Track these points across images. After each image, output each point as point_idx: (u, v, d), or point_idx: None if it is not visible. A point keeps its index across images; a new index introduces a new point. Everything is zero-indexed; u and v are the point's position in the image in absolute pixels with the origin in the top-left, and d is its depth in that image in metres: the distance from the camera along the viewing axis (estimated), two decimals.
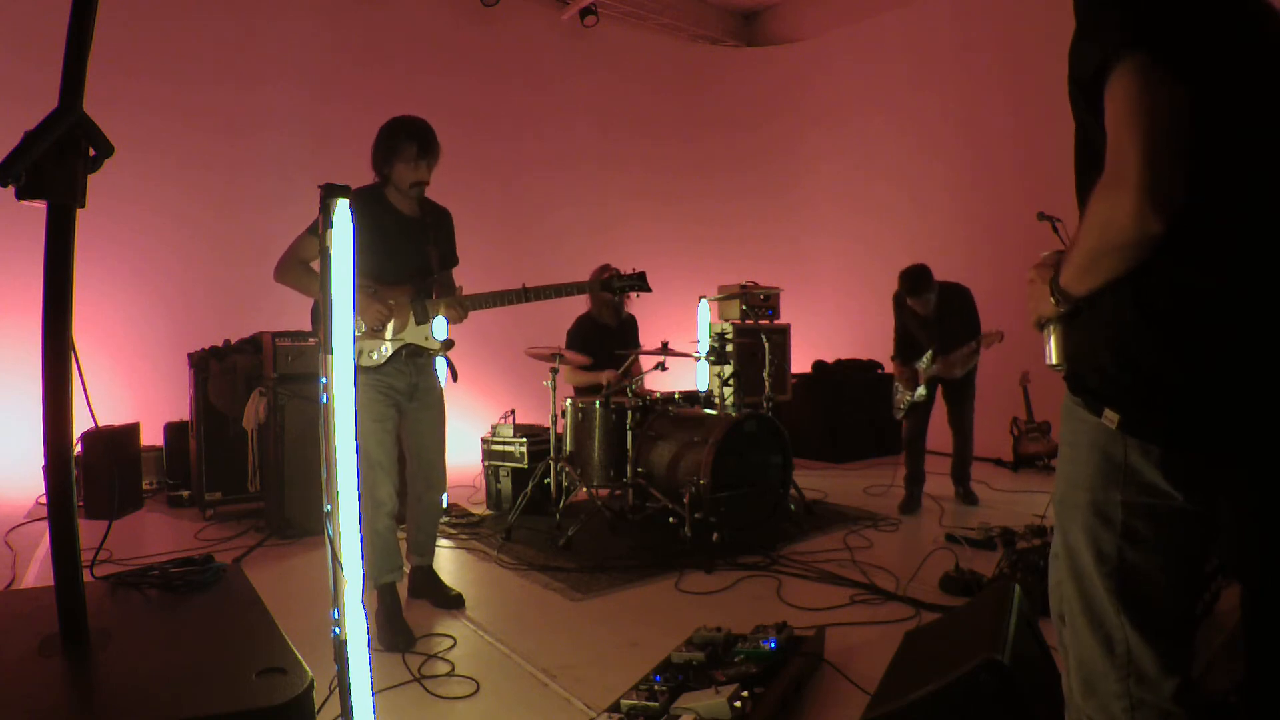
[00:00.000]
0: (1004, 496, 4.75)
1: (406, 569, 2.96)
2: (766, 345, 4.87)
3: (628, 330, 4.79)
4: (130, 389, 5.10)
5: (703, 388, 5.25)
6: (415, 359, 2.81)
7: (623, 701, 1.93)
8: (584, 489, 4.13)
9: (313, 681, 1.13)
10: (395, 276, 2.76)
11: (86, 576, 1.33)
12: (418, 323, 2.78)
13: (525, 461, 4.47)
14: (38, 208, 1.25)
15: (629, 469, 3.98)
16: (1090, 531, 1.11)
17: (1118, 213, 0.96)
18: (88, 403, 1.32)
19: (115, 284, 5.22)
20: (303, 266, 2.63)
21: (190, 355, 4.46)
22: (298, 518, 3.93)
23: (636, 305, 4.84)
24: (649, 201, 8.11)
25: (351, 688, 1.48)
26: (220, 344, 4.52)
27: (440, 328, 2.82)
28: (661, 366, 4.22)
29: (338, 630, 1.49)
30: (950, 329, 4.33)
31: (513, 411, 4.75)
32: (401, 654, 2.46)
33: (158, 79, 5.47)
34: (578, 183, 7.66)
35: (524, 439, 4.51)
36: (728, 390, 4.49)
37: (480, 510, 4.65)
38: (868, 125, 7.74)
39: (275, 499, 4.00)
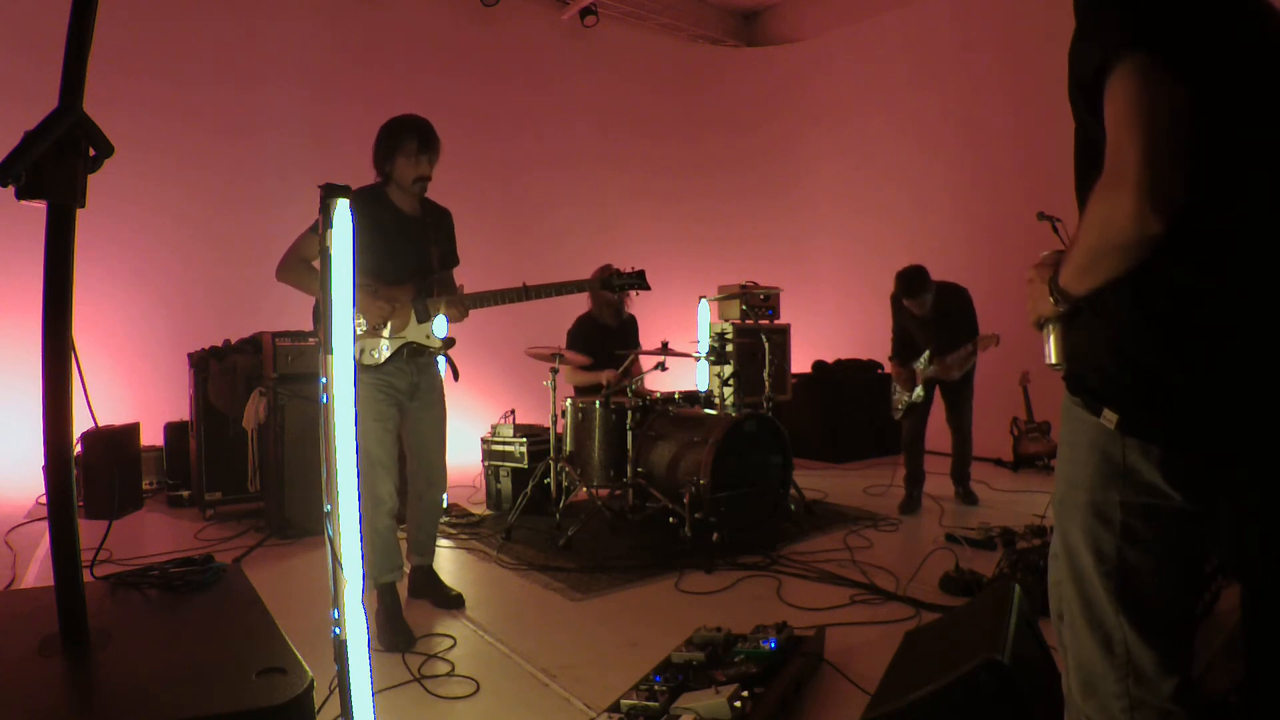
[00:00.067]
0: (1004, 496, 4.75)
1: (406, 569, 2.96)
2: (766, 345, 4.87)
3: (628, 330, 4.79)
4: (130, 389, 5.10)
5: (703, 388, 5.25)
6: (417, 358, 2.81)
7: (623, 701, 1.93)
8: (584, 489, 4.13)
9: (313, 681, 1.13)
10: (396, 275, 2.77)
11: (86, 576, 1.33)
12: (419, 321, 2.78)
13: (525, 461, 4.47)
14: (38, 208, 1.25)
15: (629, 469, 3.98)
16: (1089, 531, 1.11)
17: (1117, 213, 0.96)
18: (88, 403, 1.32)
19: (115, 284, 5.22)
20: (304, 265, 2.63)
21: (190, 355, 4.46)
22: (298, 518, 3.93)
23: (636, 305, 4.85)
24: (649, 201, 8.11)
25: (351, 688, 1.48)
26: (220, 344, 4.52)
27: (440, 326, 2.82)
28: (661, 366, 4.22)
29: (338, 630, 1.49)
30: (948, 330, 4.33)
31: (513, 411, 4.75)
32: (401, 654, 2.46)
33: (158, 79, 5.47)
34: (578, 183, 7.66)
35: (524, 439, 4.51)
36: (728, 390, 4.49)
37: (480, 510, 4.65)
38: (868, 125, 7.74)
39: (275, 499, 4.00)
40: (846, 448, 6.30)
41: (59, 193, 1.24)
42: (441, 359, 2.99)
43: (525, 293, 2.85)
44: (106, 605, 1.47)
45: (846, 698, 2.13)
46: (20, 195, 1.20)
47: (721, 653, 2.20)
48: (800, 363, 6.48)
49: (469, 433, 5.49)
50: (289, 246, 2.64)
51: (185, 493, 4.62)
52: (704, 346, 5.33)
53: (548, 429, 4.30)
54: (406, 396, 2.80)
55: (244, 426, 4.22)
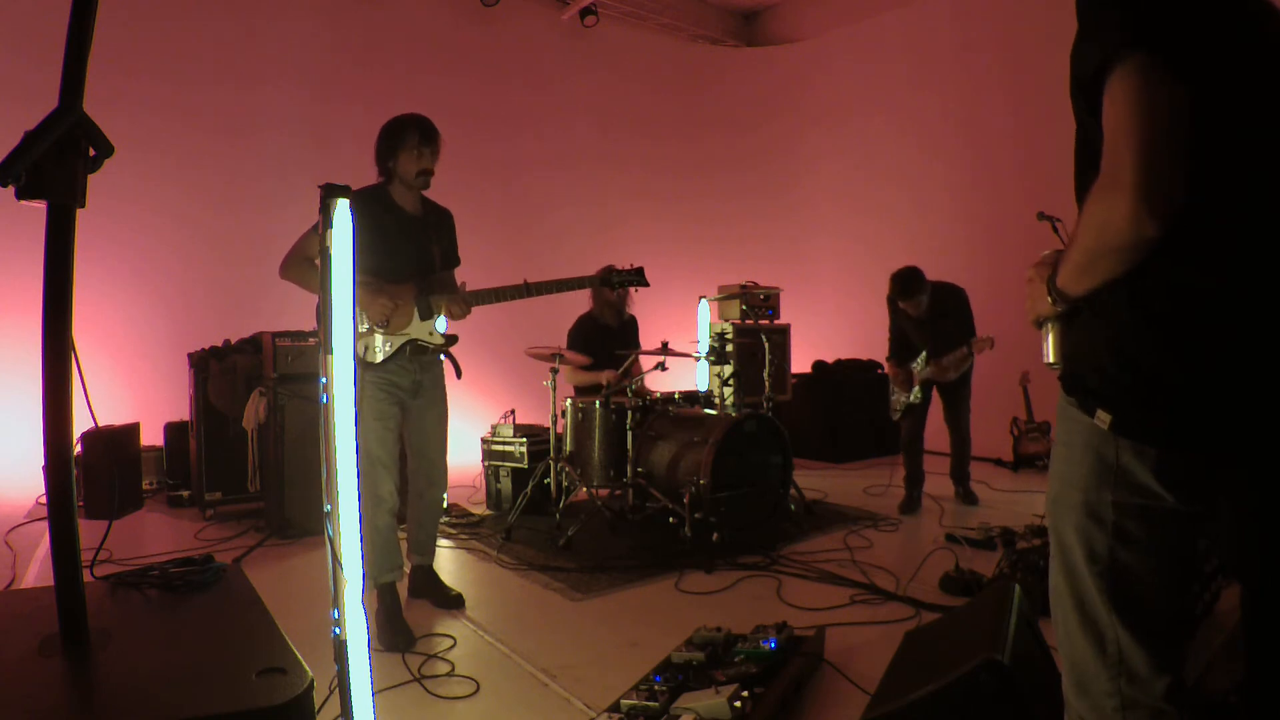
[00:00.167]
0: (1004, 496, 4.75)
1: (406, 569, 2.96)
2: (766, 345, 4.87)
3: (628, 331, 4.79)
4: (130, 389, 5.10)
5: (703, 388, 5.25)
6: (419, 356, 2.81)
7: (623, 701, 1.93)
8: (584, 489, 4.13)
9: (313, 681, 1.13)
10: (398, 273, 2.77)
11: (86, 576, 1.33)
12: (421, 319, 2.79)
13: (525, 461, 4.47)
14: (38, 208, 1.25)
15: (629, 469, 3.98)
16: (1082, 531, 1.12)
17: (1113, 215, 0.96)
18: (88, 403, 1.32)
19: (115, 284, 5.22)
20: (308, 263, 2.63)
21: (190, 355, 4.46)
22: (298, 518, 3.93)
23: (636, 305, 4.85)
24: (649, 201, 8.11)
25: (351, 688, 1.48)
26: (220, 344, 4.52)
27: (440, 324, 2.82)
28: (661, 366, 4.22)
29: (338, 630, 1.49)
30: (944, 330, 4.33)
31: (513, 411, 4.75)
32: (401, 654, 2.46)
33: (158, 79, 5.47)
34: (578, 183, 7.66)
35: (524, 439, 4.51)
36: (728, 390, 4.49)
37: (480, 510, 4.65)
38: (868, 125, 7.74)
39: (275, 499, 4.00)
40: (846, 448, 6.29)
41: (59, 193, 1.24)
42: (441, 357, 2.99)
43: (526, 290, 2.86)
44: (106, 605, 1.47)
45: (846, 698, 2.13)
46: (20, 195, 1.20)
47: (721, 653, 2.20)
48: (800, 363, 6.48)
49: (469, 433, 5.49)
50: (293, 245, 2.64)
51: (185, 493, 4.62)
52: (704, 346, 5.33)
53: (548, 429, 4.30)
54: (409, 395, 2.81)
55: (244, 426, 4.22)
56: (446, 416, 2.95)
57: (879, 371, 6.58)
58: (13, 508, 4.36)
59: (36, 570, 3.31)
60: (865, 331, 6.99)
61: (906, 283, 4.28)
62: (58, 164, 1.22)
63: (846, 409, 6.33)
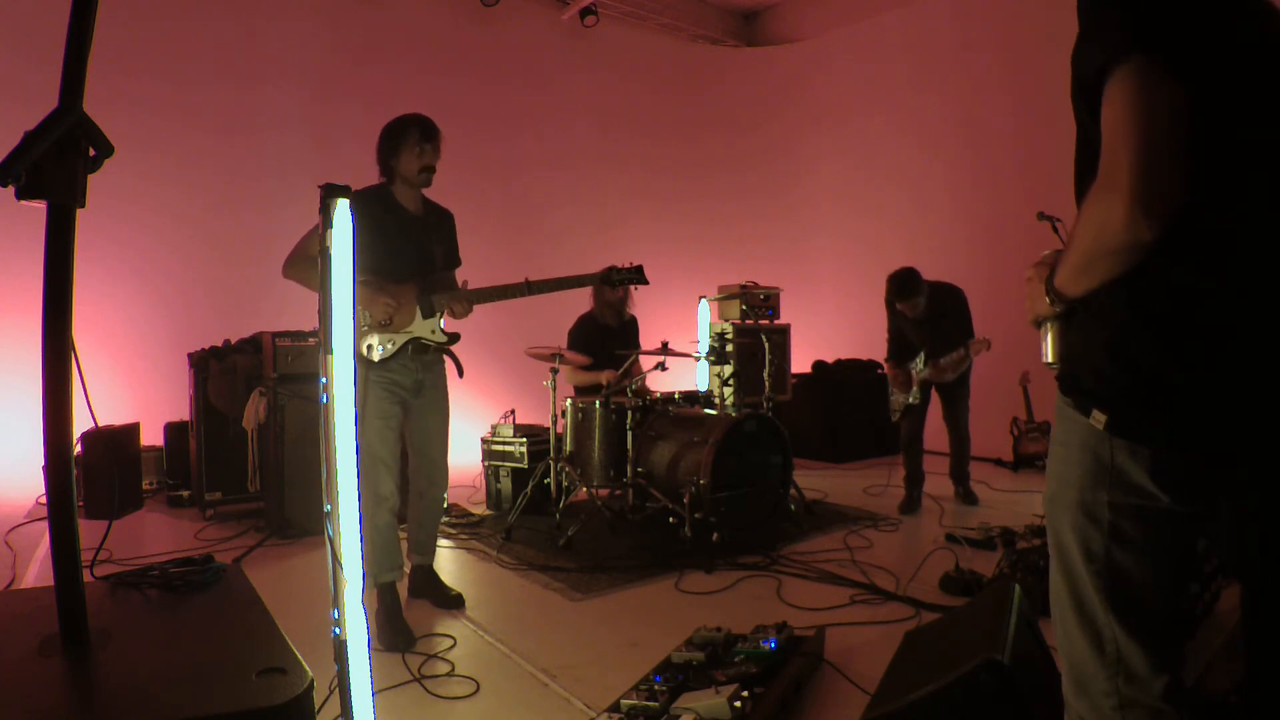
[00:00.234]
0: (1004, 496, 4.75)
1: (407, 568, 2.96)
2: (766, 345, 4.87)
3: (629, 331, 4.79)
4: (130, 389, 5.10)
5: (703, 388, 5.25)
6: (421, 355, 2.82)
7: (623, 701, 1.93)
8: (584, 489, 4.13)
9: (313, 681, 1.13)
10: (400, 273, 2.78)
11: (86, 576, 1.33)
12: (424, 317, 2.79)
13: (525, 461, 4.47)
14: (38, 208, 1.25)
15: (629, 469, 3.98)
16: (1079, 531, 1.12)
17: (1111, 217, 0.96)
18: (88, 403, 1.32)
19: (115, 284, 5.22)
20: (310, 262, 2.63)
21: (190, 355, 4.46)
22: (298, 518, 3.93)
23: (637, 306, 4.85)
24: (649, 201, 8.11)
25: (351, 688, 1.48)
26: (220, 344, 4.52)
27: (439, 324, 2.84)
28: (661, 366, 4.22)
29: (338, 630, 1.49)
30: (942, 330, 4.33)
31: (513, 411, 4.75)
32: (401, 654, 2.46)
33: (158, 79, 5.47)
34: (578, 183, 7.66)
35: (524, 439, 4.51)
36: (728, 390, 4.49)
37: (480, 510, 4.65)
38: (868, 125, 7.74)
39: (275, 499, 4.00)
40: (846, 448, 6.29)
41: (59, 193, 1.24)
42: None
43: (528, 288, 2.88)
44: (106, 605, 1.47)
45: (846, 698, 2.13)
46: (20, 195, 1.20)
47: (721, 653, 2.20)
48: (800, 363, 6.48)
49: (469, 433, 5.49)
50: (296, 243, 2.65)
51: (185, 493, 4.62)
52: (704, 346, 5.33)
53: (548, 429, 4.30)
54: (411, 394, 2.81)
55: (244, 426, 4.22)
56: (448, 416, 2.95)
57: (879, 371, 6.57)
58: (13, 508, 4.36)
59: (36, 570, 3.31)
60: (865, 331, 6.98)
61: (903, 284, 4.28)
62: (58, 164, 1.22)
63: (846, 409, 6.33)
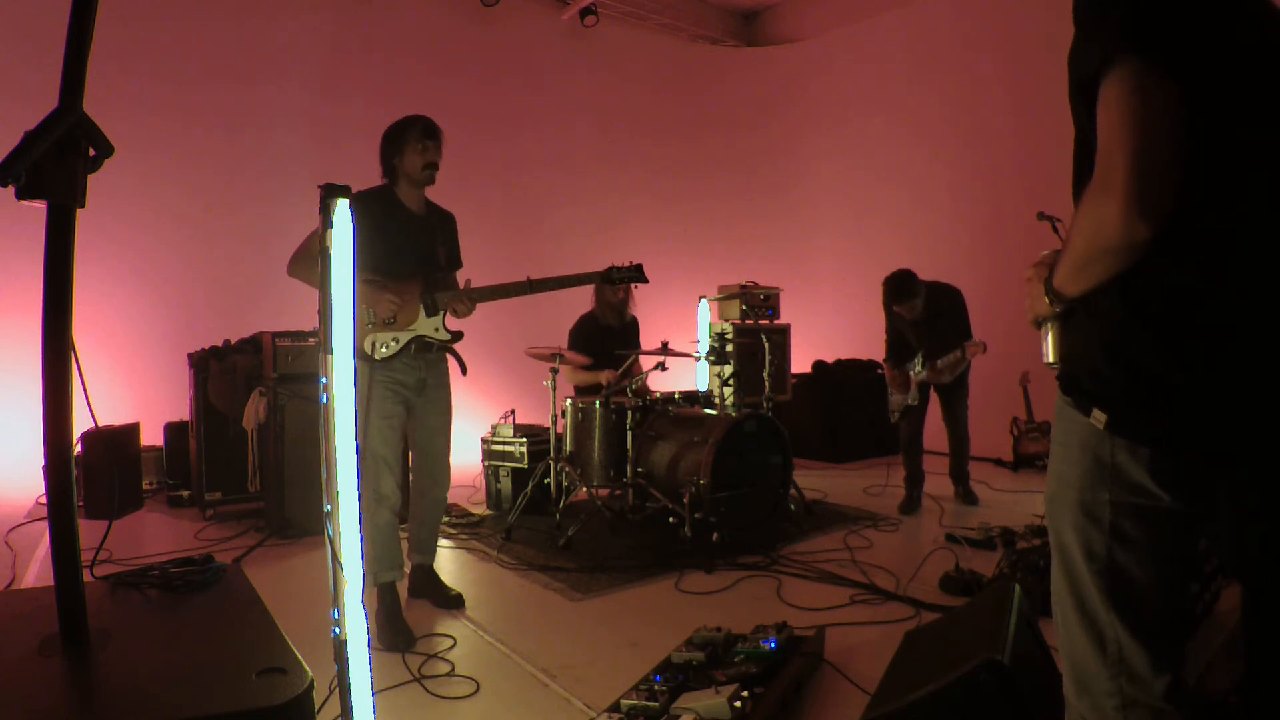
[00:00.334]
0: (1004, 496, 4.75)
1: (407, 568, 2.96)
2: (766, 345, 4.87)
3: (630, 332, 4.79)
4: (130, 389, 5.10)
5: (703, 388, 5.25)
6: (424, 353, 2.83)
7: (623, 701, 1.93)
8: (584, 489, 4.13)
9: (313, 681, 1.13)
10: (404, 271, 2.79)
11: (86, 576, 1.33)
12: (427, 315, 2.80)
13: (525, 461, 4.47)
14: (38, 208, 1.25)
15: (629, 469, 3.98)
16: (1080, 530, 1.12)
17: (1106, 218, 0.96)
18: (88, 403, 1.32)
19: (115, 284, 5.22)
20: (314, 261, 2.64)
21: (190, 355, 4.46)
22: (298, 518, 3.93)
23: (637, 306, 4.85)
24: (649, 201, 8.11)
25: (351, 688, 1.48)
26: (220, 344, 4.52)
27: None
28: (661, 366, 4.22)
29: (338, 630, 1.49)
30: (940, 331, 4.33)
31: (513, 411, 4.75)
32: (401, 654, 2.46)
33: (157, 79, 5.47)
34: (578, 183, 7.66)
35: (524, 439, 4.51)
36: (728, 390, 4.49)
37: (480, 510, 4.65)
38: (868, 125, 7.74)
39: (275, 499, 4.00)
40: (846, 448, 6.29)
41: (59, 193, 1.24)
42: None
43: (529, 286, 2.89)
44: (106, 605, 1.47)
45: (846, 698, 2.13)
46: (20, 195, 1.20)
47: (721, 653, 2.20)
48: (800, 363, 6.48)
49: (469, 433, 5.49)
50: (300, 243, 2.65)
51: (185, 493, 4.62)
52: (704, 346, 5.33)
53: (548, 429, 4.30)
54: (414, 393, 2.82)
55: (244, 426, 4.22)
56: (451, 415, 2.96)
57: (879, 371, 6.56)
58: (13, 508, 4.36)
59: (36, 570, 3.31)
60: (865, 331, 6.98)
61: (899, 287, 4.28)
62: (58, 164, 1.22)
63: (846, 409, 6.33)
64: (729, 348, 4.78)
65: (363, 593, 1.53)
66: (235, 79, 5.81)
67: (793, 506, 4.22)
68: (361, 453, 2.61)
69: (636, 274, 3.27)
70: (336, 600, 1.49)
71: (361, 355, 2.68)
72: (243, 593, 1.56)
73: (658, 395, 4.34)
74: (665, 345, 4.15)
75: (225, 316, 5.14)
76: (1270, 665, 1.20)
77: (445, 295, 2.82)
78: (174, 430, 4.77)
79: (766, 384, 4.81)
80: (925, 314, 4.34)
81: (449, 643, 2.59)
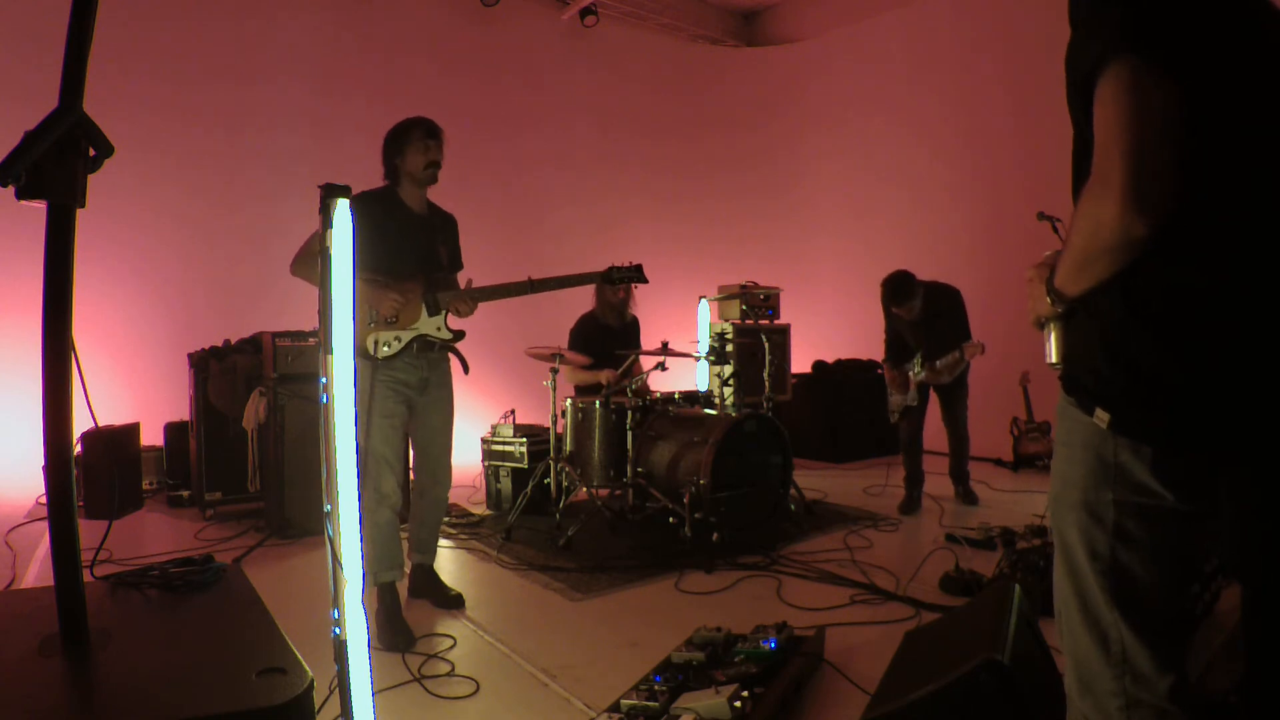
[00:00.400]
0: (1004, 496, 4.75)
1: (407, 568, 2.97)
2: (766, 345, 4.87)
3: (630, 332, 4.79)
4: (130, 389, 5.10)
5: (703, 388, 5.25)
6: (427, 352, 2.83)
7: (623, 701, 1.93)
8: (584, 489, 4.13)
9: (313, 681, 1.13)
10: (406, 271, 2.80)
11: (86, 576, 1.33)
12: (429, 315, 2.81)
13: (525, 461, 4.47)
14: (38, 208, 1.25)
15: (629, 469, 3.97)
16: (1084, 530, 1.12)
17: (1104, 216, 0.96)
18: (88, 403, 1.32)
19: (115, 284, 5.22)
20: (317, 260, 2.65)
21: (190, 355, 4.46)
22: (298, 518, 3.93)
23: (637, 306, 4.85)
24: (649, 201, 8.11)
25: (351, 688, 1.48)
26: (220, 344, 4.52)
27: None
28: (661, 366, 4.22)
29: (338, 630, 1.49)
30: (939, 332, 4.33)
31: (513, 411, 4.75)
32: (401, 654, 2.46)
33: (157, 79, 5.47)
34: (578, 183, 7.66)
35: (524, 439, 4.51)
36: (728, 390, 4.49)
37: (480, 510, 4.65)
38: (868, 125, 7.74)
39: (275, 499, 4.00)
40: (846, 448, 6.29)
41: (59, 193, 1.24)
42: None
43: (531, 286, 2.91)
44: (106, 605, 1.47)
45: (846, 698, 2.13)
46: (20, 195, 1.20)
47: (721, 653, 2.20)
48: (800, 363, 6.48)
49: (469, 433, 5.49)
50: (303, 242, 2.65)
51: (185, 493, 4.62)
52: (704, 346, 5.33)
53: (548, 429, 4.30)
54: (416, 392, 2.82)
55: (244, 426, 4.22)
56: (452, 414, 2.97)
57: (879, 371, 6.57)
58: (13, 508, 4.36)
59: (36, 570, 3.31)
60: (865, 331, 6.99)
61: (897, 288, 4.28)
62: (58, 164, 1.22)
63: (846, 409, 6.33)
64: (729, 348, 4.78)
65: (363, 593, 1.53)
66: (235, 79, 5.81)
67: (793, 506, 4.22)
68: (363, 452, 2.62)
69: (636, 274, 3.28)
70: (336, 600, 1.49)
71: (364, 354, 2.68)
72: (243, 593, 1.56)
73: (658, 395, 4.34)
74: (665, 345, 4.15)
75: (225, 316, 5.15)
76: (1270, 665, 1.20)
77: (447, 295, 2.83)
78: (174, 430, 4.77)
79: (766, 384, 4.81)
80: (924, 314, 4.34)
81: (449, 643, 2.59)
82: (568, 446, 4.21)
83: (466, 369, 2.96)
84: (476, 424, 5.62)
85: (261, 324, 4.43)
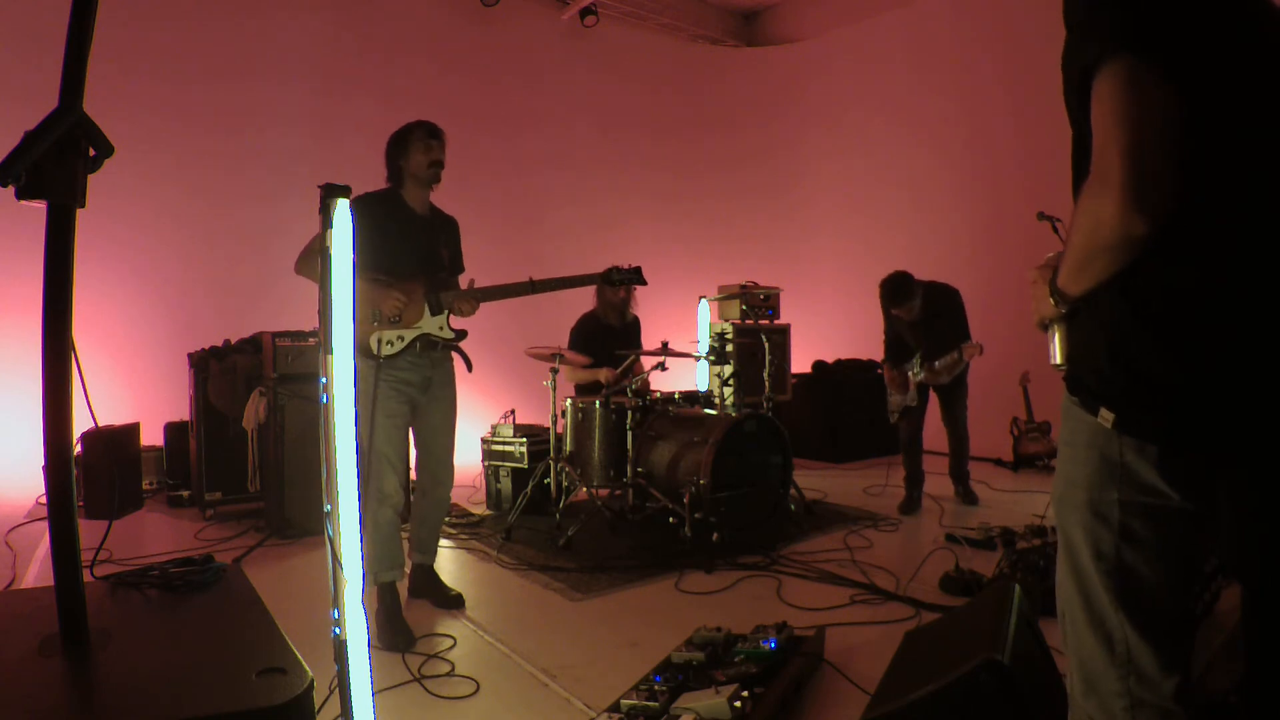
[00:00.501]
0: (1004, 496, 4.75)
1: (407, 568, 2.97)
2: (766, 345, 4.87)
3: (631, 332, 4.79)
4: (130, 389, 5.10)
5: (703, 388, 5.25)
6: (430, 351, 2.84)
7: (623, 701, 1.93)
8: (584, 489, 4.13)
9: (313, 681, 1.13)
10: (408, 270, 2.81)
11: (86, 576, 1.33)
12: (432, 314, 2.81)
13: (525, 461, 4.47)
14: (38, 208, 1.25)
15: (629, 469, 3.97)
16: (1089, 530, 1.11)
17: (1103, 213, 0.96)
18: (88, 403, 1.32)
19: (115, 284, 5.22)
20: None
21: (190, 355, 4.46)
22: (298, 518, 3.93)
23: (638, 306, 4.85)
24: (649, 201, 8.11)
25: (351, 688, 1.48)
26: (220, 344, 4.52)
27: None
28: (661, 366, 4.22)
29: (338, 630, 1.49)
30: (938, 332, 4.32)
31: (513, 411, 4.75)
32: (401, 654, 2.46)
33: (157, 79, 5.47)
34: (577, 183, 7.67)
35: (524, 439, 4.51)
36: (728, 390, 4.49)
37: (480, 510, 4.65)
38: (868, 125, 7.74)
39: (275, 499, 4.00)
40: (846, 448, 6.29)
41: (59, 193, 1.24)
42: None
43: (532, 287, 2.92)
44: (106, 605, 1.47)
45: (846, 698, 2.13)
46: (20, 195, 1.20)
47: (721, 653, 2.20)
48: (800, 363, 6.48)
49: (469, 433, 5.49)
50: (307, 242, 2.65)
51: (185, 493, 4.62)
52: (704, 346, 5.33)
53: (548, 429, 4.30)
54: (419, 391, 2.83)
55: (244, 426, 4.22)
56: (455, 414, 2.98)
57: (879, 371, 6.56)
58: (13, 508, 4.36)
59: (36, 570, 3.31)
60: (865, 331, 6.98)
61: (895, 290, 4.28)
62: (58, 164, 1.22)
63: (846, 409, 6.33)
64: (729, 348, 4.78)
65: (363, 593, 1.53)
66: (235, 79, 5.81)
67: (793, 506, 4.22)
68: (365, 451, 2.62)
69: (635, 276, 3.30)
70: (336, 600, 1.50)
71: (367, 353, 2.69)
72: (243, 593, 1.56)
73: (658, 395, 4.34)
74: (665, 345, 4.15)
75: (225, 316, 5.15)
76: (1270, 665, 1.20)
77: (450, 294, 2.84)
78: (174, 430, 4.77)
79: (766, 384, 4.81)
80: (923, 315, 4.34)
81: (449, 643, 2.59)
82: (568, 446, 4.21)
83: (470, 367, 2.97)
84: (476, 424, 5.62)
85: (261, 324, 4.43)
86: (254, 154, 5.85)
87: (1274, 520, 1.11)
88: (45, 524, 1.69)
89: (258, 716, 1.04)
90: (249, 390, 4.26)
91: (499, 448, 4.62)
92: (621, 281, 3.26)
